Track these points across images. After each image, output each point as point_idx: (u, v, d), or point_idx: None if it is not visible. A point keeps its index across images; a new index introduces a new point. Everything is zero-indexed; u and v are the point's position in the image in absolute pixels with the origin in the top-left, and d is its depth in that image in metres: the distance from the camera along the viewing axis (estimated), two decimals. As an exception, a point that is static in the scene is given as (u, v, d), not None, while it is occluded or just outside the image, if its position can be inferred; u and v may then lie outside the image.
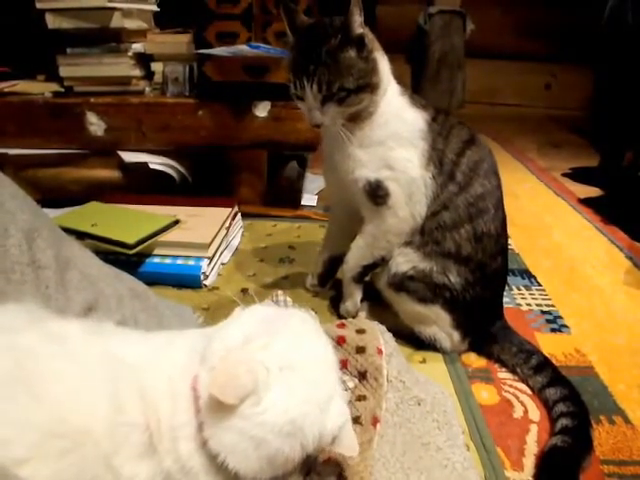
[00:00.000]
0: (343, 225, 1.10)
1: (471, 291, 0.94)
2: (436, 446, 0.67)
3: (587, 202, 1.82)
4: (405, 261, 0.95)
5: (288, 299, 0.86)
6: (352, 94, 0.87)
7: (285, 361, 0.50)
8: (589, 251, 1.44)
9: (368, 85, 0.89)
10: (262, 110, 1.50)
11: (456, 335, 0.96)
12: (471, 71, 3.39)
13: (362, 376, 0.73)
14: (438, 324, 0.96)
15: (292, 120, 1.49)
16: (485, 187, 0.94)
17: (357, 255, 1.02)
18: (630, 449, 0.79)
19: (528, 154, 2.46)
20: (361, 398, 0.70)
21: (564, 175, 2.15)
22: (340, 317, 1.07)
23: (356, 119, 0.92)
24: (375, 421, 0.67)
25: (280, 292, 0.87)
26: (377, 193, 0.94)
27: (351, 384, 0.73)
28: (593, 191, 1.94)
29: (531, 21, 3.29)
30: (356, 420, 0.67)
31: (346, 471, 0.61)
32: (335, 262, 1.13)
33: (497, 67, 3.38)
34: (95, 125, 1.53)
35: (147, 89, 1.61)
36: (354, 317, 1.03)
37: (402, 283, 0.95)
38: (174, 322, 0.91)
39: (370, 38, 0.90)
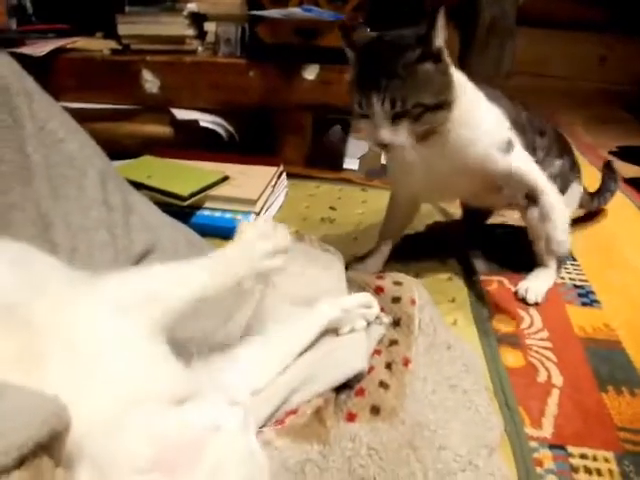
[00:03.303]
0: (409, 213, 1.13)
1: None
2: (462, 389, 0.74)
3: (631, 182, 1.79)
4: None
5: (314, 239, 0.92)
6: (428, 111, 0.81)
7: None
8: (629, 231, 1.44)
9: (447, 102, 0.83)
10: (311, 73, 1.53)
11: None
12: (521, 40, 3.28)
13: (396, 323, 0.80)
14: None
15: (339, 84, 1.51)
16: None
17: (565, 222, 0.97)
18: (647, 420, 0.82)
19: (574, 129, 2.41)
20: (393, 343, 0.78)
21: (610, 153, 2.11)
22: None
23: (427, 137, 0.85)
24: (406, 362, 0.74)
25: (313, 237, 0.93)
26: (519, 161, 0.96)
27: (386, 320, 0.80)
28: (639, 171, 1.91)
29: (589, -13, 3.15)
30: (388, 366, 0.74)
31: (379, 404, 0.67)
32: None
33: (549, 36, 3.26)
34: (150, 82, 1.59)
35: (200, 49, 1.66)
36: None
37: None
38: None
39: (447, 53, 0.84)
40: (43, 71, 1.58)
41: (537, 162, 1.04)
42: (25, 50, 1.56)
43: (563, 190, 1.11)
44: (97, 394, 0.48)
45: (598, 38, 3.21)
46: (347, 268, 0.94)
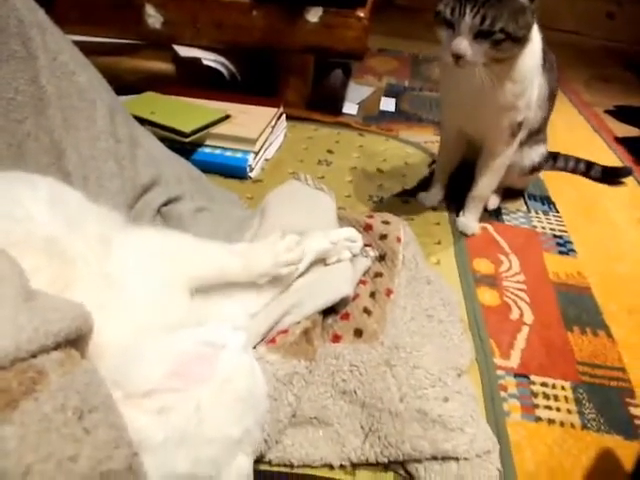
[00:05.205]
0: (456, 147, 1.21)
1: None
2: (439, 319, 0.82)
3: (623, 141, 1.82)
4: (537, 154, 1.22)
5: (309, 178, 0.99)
6: (508, 40, 0.88)
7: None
8: (613, 188, 1.48)
9: (524, 38, 0.90)
10: (314, 15, 1.52)
11: None
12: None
13: (382, 258, 0.87)
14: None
15: (342, 28, 1.52)
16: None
17: (491, 186, 1.17)
18: (605, 356, 0.91)
19: (575, 86, 2.41)
20: (377, 275, 0.85)
21: (607, 112, 2.13)
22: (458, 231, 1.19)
23: (497, 61, 0.93)
24: (389, 292, 0.82)
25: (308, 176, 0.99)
26: (515, 131, 1.07)
27: (372, 253, 0.88)
28: (633, 131, 1.93)
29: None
30: (372, 295, 0.81)
31: (362, 327, 0.75)
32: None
33: (561, -11, 3.19)
34: (153, 17, 1.58)
35: (204, -16, 1.64)
36: (473, 234, 1.17)
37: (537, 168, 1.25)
38: (224, 205, 1.03)
39: None
40: (44, 2, 1.56)
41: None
42: (26, -23, 1.53)
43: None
44: (119, 320, 0.56)
45: (607, -7, 3.14)
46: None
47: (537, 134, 1.19)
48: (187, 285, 0.66)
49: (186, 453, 0.48)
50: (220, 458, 0.50)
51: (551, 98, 1.16)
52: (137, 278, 0.61)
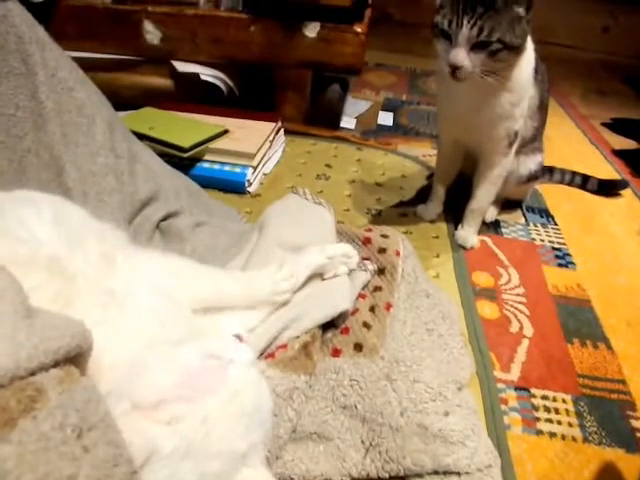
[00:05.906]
0: (453, 160, 1.22)
1: None
2: (438, 333, 0.81)
3: (620, 153, 1.83)
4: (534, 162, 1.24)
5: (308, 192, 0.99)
6: (505, 50, 0.89)
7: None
8: (611, 200, 1.49)
9: (521, 47, 0.92)
10: (311, 31, 1.54)
11: None
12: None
13: (381, 271, 0.87)
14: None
15: (339, 43, 1.54)
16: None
17: (489, 198, 1.18)
18: (606, 369, 0.91)
19: (571, 99, 2.43)
20: (377, 289, 0.85)
21: (603, 124, 2.14)
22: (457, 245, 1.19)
23: (494, 71, 0.94)
24: (388, 306, 0.81)
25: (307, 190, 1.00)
26: (512, 140, 1.08)
27: (371, 267, 0.88)
28: (630, 143, 1.94)
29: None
30: (371, 309, 0.81)
31: (362, 341, 0.75)
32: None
33: (553, 3, 3.23)
34: (151, 33, 1.60)
35: (202, 1, 1.65)
36: (472, 247, 1.18)
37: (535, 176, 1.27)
38: (222, 220, 1.03)
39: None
40: (43, 18, 1.57)
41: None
42: (25, -5, 1.55)
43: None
44: (121, 336, 0.56)
45: (602, 7, 3.18)
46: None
47: (532, 142, 1.20)
48: (189, 304, 0.67)
49: (192, 466, 0.47)
50: (225, 472, 0.50)
51: (542, 107, 1.17)
52: (141, 294, 0.61)
